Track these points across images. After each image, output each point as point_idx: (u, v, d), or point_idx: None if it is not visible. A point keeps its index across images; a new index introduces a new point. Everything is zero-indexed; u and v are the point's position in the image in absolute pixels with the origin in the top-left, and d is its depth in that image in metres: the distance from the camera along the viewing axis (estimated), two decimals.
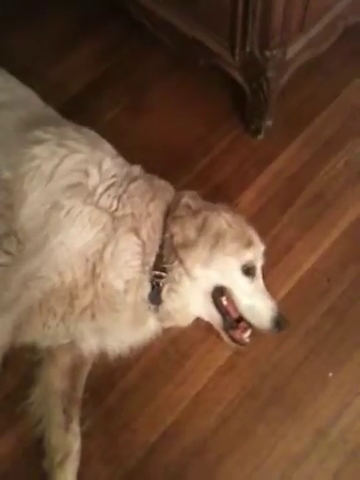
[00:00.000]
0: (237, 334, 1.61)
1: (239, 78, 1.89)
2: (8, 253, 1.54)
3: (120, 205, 1.57)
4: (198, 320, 1.67)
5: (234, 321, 1.60)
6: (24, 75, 1.95)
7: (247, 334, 1.61)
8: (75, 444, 1.61)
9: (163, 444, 1.70)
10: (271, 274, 1.84)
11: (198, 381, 1.78)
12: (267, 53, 1.71)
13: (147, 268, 1.56)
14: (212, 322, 1.64)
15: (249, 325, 1.61)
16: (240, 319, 1.61)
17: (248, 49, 1.76)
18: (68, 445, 1.59)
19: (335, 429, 1.69)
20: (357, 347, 1.80)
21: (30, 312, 1.51)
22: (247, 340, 1.62)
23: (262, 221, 1.92)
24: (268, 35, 1.68)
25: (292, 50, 1.81)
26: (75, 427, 1.63)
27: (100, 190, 1.56)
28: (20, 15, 2.44)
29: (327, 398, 1.74)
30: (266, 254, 1.69)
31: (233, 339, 1.62)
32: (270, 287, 1.69)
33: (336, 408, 1.72)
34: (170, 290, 1.56)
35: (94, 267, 1.51)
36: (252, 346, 1.69)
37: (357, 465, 1.65)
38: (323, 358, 1.79)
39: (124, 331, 1.60)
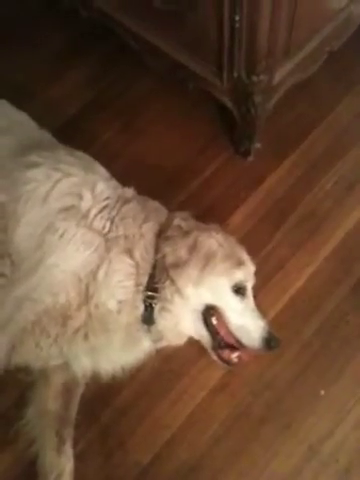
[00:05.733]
0: (225, 354, 1.61)
1: (227, 102, 1.93)
2: (2, 275, 1.55)
3: (113, 227, 1.59)
4: (191, 340, 1.68)
5: (223, 341, 1.61)
6: (18, 98, 1.98)
7: (235, 354, 1.62)
8: (68, 466, 1.61)
9: (157, 464, 1.70)
10: (263, 293, 1.87)
11: (192, 400, 1.79)
12: (254, 78, 1.75)
13: (140, 288, 1.57)
14: (202, 341, 1.65)
15: (239, 346, 1.61)
16: (231, 344, 1.62)
17: (235, 74, 1.80)
18: (61, 467, 1.60)
19: (327, 447, 1.70)
20: (348, 365, 1.82)
21: (23, 333, 1.52)
22: (235, 360, 1.62)
23: (253, 241, 1.95)
24: (254, 61, 1.72)
25: (279, 75, 1.85)
26: (68, 449, 1.63)
27: (94, 212, 1.58)
28: (11, 40, 2.48)
29: (319, 416, 1.75)
30: (258, 273, 1.71)
31: (221, 359, 1.62)
32: (262, 305, 1.70)
33: (328, 426, 1.73)
34: (162, 309, 1.57)
35: (87, 288, 1.53)
36: (244, 366, 1.70)
37: None
38: (315, 376, 1.81)
39: (117, 351, 1.61)
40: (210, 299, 1.59)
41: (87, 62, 2.46)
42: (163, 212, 1.74)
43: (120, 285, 1.55)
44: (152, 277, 1.58)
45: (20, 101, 1.99)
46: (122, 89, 2.40)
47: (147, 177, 2.00)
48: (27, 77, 2.39)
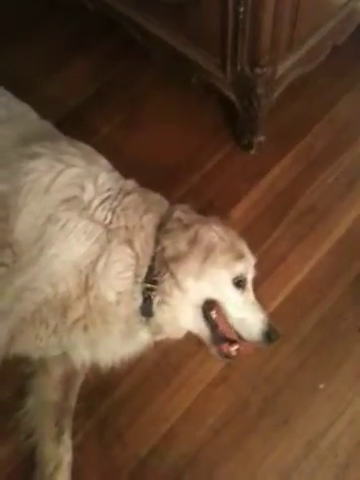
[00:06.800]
0: (225, 347, 1.60)
1: (230, 95, 1.93)
2: (3, 265, 1.55)
3: (114, 218, 1.59)
4: (190, 333, 1.68)
5: (222, 334, 1.60)
6: (20, 91, 1.98)
7: (235, 348, 1.60)
8: (66, 456, 1.61)
9: (155, 456, 1.71)
10: (263, 286, 1.87)
11: (190, 393, 1.79)
12: (257, 71, 1.75)
13: (139, 280, 1.57)
14: (201, 335, 1.64)
15: (239, 339, 1.61)
16: (229, 338, 1.61)
17: (239, 67, 1.80)
18: (59, 457, 1.60)
19: (325, 441, 1.70)
20: (346, 359, 1.82)
21: (23, 323, 1.52)
22: (234, 353, 1.61)
23: (254, 234, 1.95)
24: (258, 54, 1.72)
25: (282, 68, 1.86)
26: (67, 439, 1.63)
27: (95, 203, 1.58)
28: (16, 32, 2.49)
29: (317, 410, 1.75)
30: (258, 266, 1.70)
31: (221, 352, 1.61)
32: (262, 299, 1.70)
33: (326, 420, 1.73)
34: (161, 302, 1.56)
35: (87, 279, 1.53)
36: (244, 359, 1.69)
37: (347, 478, 1.66)
38: (314, 370, 1.81)
39: (116, 343, 1.61)
40: (210, 292, 1.59)
41: (89, 56, 2.46)
42: (164, 204, 1.74)
43: (119, 276, 1.55)
44: (151, 269, 1.58)
45: (22, 94, 1.98)
46: (124, 83, 2.40)
47: (148, 170, 1.97)
48: (29, 70, 2.38)
